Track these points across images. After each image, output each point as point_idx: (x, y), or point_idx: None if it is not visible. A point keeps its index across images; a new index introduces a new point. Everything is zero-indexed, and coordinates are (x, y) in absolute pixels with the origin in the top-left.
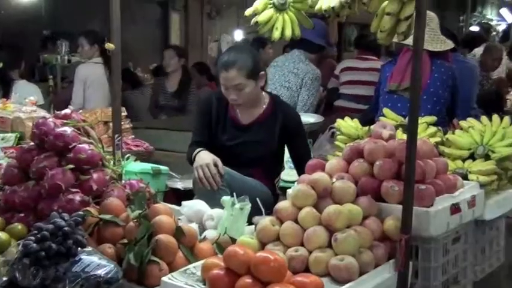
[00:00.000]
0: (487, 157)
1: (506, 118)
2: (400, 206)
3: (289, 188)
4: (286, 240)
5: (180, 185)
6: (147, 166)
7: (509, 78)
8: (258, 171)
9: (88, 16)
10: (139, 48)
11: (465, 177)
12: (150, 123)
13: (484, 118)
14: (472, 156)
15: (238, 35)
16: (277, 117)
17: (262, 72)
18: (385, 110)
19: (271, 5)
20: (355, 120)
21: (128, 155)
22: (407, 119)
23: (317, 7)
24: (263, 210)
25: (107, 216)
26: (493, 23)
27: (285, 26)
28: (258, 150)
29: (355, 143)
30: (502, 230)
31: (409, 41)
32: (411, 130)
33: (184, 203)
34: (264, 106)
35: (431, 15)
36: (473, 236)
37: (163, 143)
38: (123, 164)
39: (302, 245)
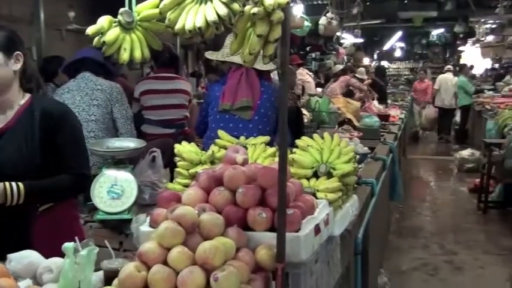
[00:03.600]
0: (329, 174)
1: (337, 135)
2: (270, 234)
3: (111, 220)
4: (158, 287)
5: None
6: None
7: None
8: None
9: None
10: None
11: (314, 195)
12: None
13: (316, 136)
14: (315, 175)
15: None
16: (33, 114)
17: (18, 53)
18: (220, 132)
19: (116, 24)
20: (193, 144)
21: None
22: (241, 138)
23: (178, 27)
24: (113, 252)
25: None
26: None
27: (134, 46)
28: (13, 163)
29: (207, 169)
30: (338, 242)
31: (237, 59)
32: (282, 154)
33: (10, 256)
34: (19, 106)
35: None
36: (325, 253)
37: None
38: None
39: None
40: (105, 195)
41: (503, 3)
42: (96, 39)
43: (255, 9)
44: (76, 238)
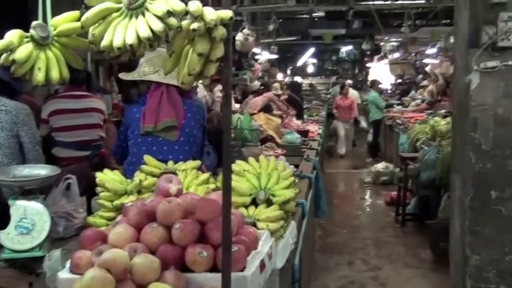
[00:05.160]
0: (268, 201)
1: (273, 158)
2: (212, 275)
3: (19, 259)
4: None
5: None
6: None
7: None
8: None
9: None
10: None
11: (254, 225)
12: None
13: (251, 159)
14: (253, 202)
15: None
16: None
17: None
18: (147, 158)
19: (28, 39)
20: (116, 172)
21: None
22: (169, 163)
23: (104, 43)
24: None
25: None
26: None
27: (50, 66)
28: None
29: (135, 201)
30: (277, 273)
31: (155, 77)
32: (226, 185)
33: None
34: None
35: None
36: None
37: None
38: None
39: None
40: (12, 230)
41: (408, 22)
42: (3, 56)
43: (195, 25)
44: None
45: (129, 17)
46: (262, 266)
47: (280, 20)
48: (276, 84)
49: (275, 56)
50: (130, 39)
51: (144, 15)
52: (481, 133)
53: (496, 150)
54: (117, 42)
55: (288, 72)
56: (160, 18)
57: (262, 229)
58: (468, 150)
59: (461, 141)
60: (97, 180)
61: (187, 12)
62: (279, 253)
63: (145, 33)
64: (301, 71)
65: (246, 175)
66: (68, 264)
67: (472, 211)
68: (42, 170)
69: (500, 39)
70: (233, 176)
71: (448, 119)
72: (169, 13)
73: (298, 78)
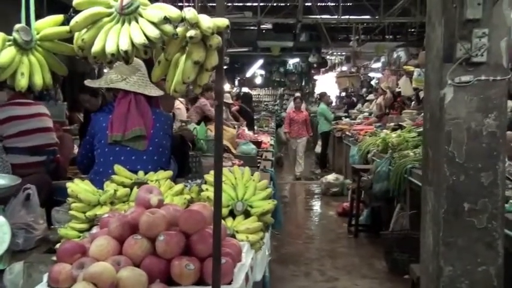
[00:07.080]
0: (245, 213)
1: (247, 169)
2: None
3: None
4: None
5: None
6: None
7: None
8: None
9: None
10: None
11: (233, 237)
12: None
13: (226, 170)
14: (231, 213)
15: None
16: None
17: None
18: (117, 168)
19: (10, 43)
20: (87, 181)
21: None
22: (139, 174)
23: (95, 49)
24: None
25: None
26: None
27: (34, 71)
28: None
29: (111, 212)
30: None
31: (123, 85)
32: (217, 196)
33: None
34: None
35: (139, 62)
36: None
37: None
38: None
39: None
40: None
41: (356, 37)
42: None
43: (192, 32)
44: None
45: (121, 22)
46: (246, 278)
47: (228, 31)
48: (227, 94)
49: (224, 67)
50: (125, 45)
51: (137, 21)
52: (454, 146)
53: (469, 163)
54: (111, 48)
55: (236, 83)
56: (155, 24)
57: (242, 241)
58: (442, 163)
59: (435, 155)
60: (69, 190)
61: (182, 19)
62: (258, 265)
63: (140, 39)
64: (249, 82)
65: (222, 186)
66: (44, 278)
67: (446, 223)
68: (1, 180)
69: (475, 54)
70: (208, 187)
71: (399, 131)
72: (166, 19)
73: (245, 89)
